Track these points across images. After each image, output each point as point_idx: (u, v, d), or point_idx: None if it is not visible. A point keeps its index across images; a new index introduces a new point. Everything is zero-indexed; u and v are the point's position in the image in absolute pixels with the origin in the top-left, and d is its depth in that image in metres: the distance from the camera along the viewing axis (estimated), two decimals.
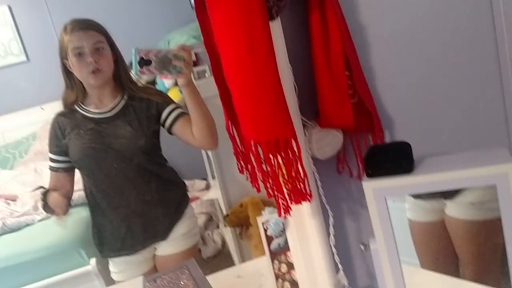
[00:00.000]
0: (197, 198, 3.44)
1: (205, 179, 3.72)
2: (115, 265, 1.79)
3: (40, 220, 2.39)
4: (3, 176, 2.98)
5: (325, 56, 0.92)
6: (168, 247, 1.74)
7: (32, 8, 3.44)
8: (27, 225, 2.37)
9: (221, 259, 3.00)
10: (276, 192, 0.85)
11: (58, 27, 3.44)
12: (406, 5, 1.00)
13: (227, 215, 2.33)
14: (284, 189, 0.85)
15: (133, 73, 1.35)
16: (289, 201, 0.85)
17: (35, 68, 3.52)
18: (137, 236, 1.69)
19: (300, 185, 0.85)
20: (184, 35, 3.34)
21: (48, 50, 3.46)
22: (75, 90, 1.65)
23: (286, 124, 0.80)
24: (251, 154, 0.87)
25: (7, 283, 2.13)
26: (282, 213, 0.86)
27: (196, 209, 3.21)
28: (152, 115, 1.64)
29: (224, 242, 3.13)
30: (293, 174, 0.84)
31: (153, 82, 3.43)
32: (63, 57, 1.60)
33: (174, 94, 2.84)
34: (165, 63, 1.33)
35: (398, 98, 1.04)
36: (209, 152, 2.50)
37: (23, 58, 3.48)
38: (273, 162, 0.84)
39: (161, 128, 1.69)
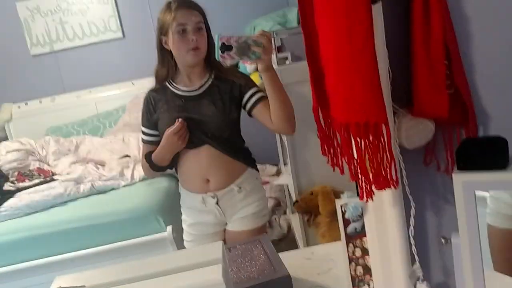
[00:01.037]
0: (267, 182, 3.50)
1: (277, 165, 3.77)
2: (188, 235, 1.89)
3: (124, 186, 2.57)
4: (94, 143, 3.22)
5: (425, 43, 0.90)
6: (238, 224, 1.81)
7: None
8: (113, 189, 2.56)
9: (285, 244, 3.04)
10: (360, 175, 0.86)
11: (153, 7, 3.65)
12: None
13: (297, 201, 2.35)
14: (369, 173, 0.85)
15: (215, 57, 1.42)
16: (372, 186, 0.85)
17: (130, 45, 3.76)
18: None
19: (385, 171, 0.85)
20: (269, 21, 3.38)
21: (142, 29, 3.69)
22: (166, 66, 1.74)
23: (378, 108, 0.80)
24: (338, 136, 0.88)
25: (90, 241, 2.31)
26: (365, 197, 0.86)
27: (266, 193, 3.27)
28: (235, 96, 1.70)
29: (289, 228, 3.16)
30: (379, 159, 0.84)
31: (236, 66, 3.52)
32: (162, 33, 1.68)
33: (255, 79, 2.90)
34: (245, 49, 1.37)
35: (496, 93, 0.99)
36: (284, 139, 2.53)
37: (120, 34, 3.72)
38: (360, 146, 0.84)
39: (242, 110, 1.75)
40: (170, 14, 1.64)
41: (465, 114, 0.97)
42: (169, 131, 1.65)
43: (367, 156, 0.84)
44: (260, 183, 1.92)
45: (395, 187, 0.86)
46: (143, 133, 1.82)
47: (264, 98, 1.67)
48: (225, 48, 1.35)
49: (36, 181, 2.70)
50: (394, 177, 0.84)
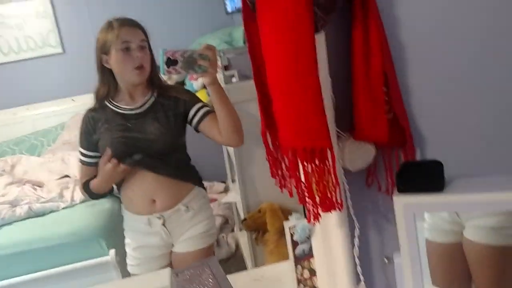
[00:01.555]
0: (215, 200, 3.48)
1: (224, 182, 3.76)
2: (132, 259, 1.84)
3: (64, 208, 2.45)
4: (31, 162, 3.06)
5: (365, 70, 0.95)
6: (185, 245, 1.78)
7: (72, 3, 3.55)
8: (52, 211, 2.43)
9: (233, 263, 3.03)
10: (307, 199, 0.88)
11: (95, 23, 3.54)
12: (447, 27, 1.02)
13: (245, 219, 2.36)
14: (316, 196, 0.88)
15: (160, 73, 1.42)
16: (319, 209, 0.87)
17: (70, 60, 3.63)
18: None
19: (331, 194, 0.87)
20: (215, 40, 3.40)
21: (83, 44, 3.57)
22: (107, 85, 1.71)
23: (323, 133, 0.83)
24: (286, 160, 0.90)
25: (28, 266, 2.17)
26: (312, 220, 0.89)
27: (213, 211, 3.24)
28: (180, 112, 1.69)
29: (237, 246, 3.15)
30: (325, 183, 0.87)
31: (182, 83, 3.50)
32: (103, 52, 1.65)
33: (202, 96, 2.90)
34: (191, 62, 1.38)
35: (431, 117, 1.06)
36: (232, 155, 2.53)
37: (59, 50, 3.59)
38: (307, 169, 0.86)
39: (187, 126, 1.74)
40: (113, 32, 1.62)
41: (403, 137, 1.02)
42: (106, 166, 1.64)
43: (313, 180, 0.86)
44: (208, 202, 1.90)
45: (340, 210, 0.89)
46: (82, 154, 1.75)
47: (210, 112, 1.67)
48: (171, 62, 1.35)
49: None
50: (339, 200, 0.87)
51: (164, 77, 3.47)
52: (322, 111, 0.83)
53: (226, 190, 3.74)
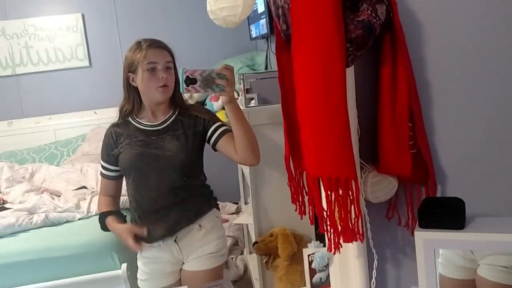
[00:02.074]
0: (226, 220, 3.48)
1: (237, 203, 3.77)
2: (142, 274, 1.85)
3: (80, 219, 2.49)
4: (50, 171, 3.12)
5: (391, 106, 0.97)
6: (195, 263, 1.78)
7: (103, 19, 3.68)
8: (67, 221, 2.47)
9: (241, 285, 3.01)
10: (329, 227, 0.90)
11: (123, 41, 3.67)
12: (473, 66, 1.05)
13: (256, 242, 2.35)
14: (338, 226, 0.89)
15: (180, 90, 1.46)
16: (340, 238, 0.88)
17: (95, 74, 3.73)
18: (158, 232, 1.77)
19: (352, 225, 0.89)
20: (238, 63, 3.48)
21: (109, 59, 3.69)
22: (132, 102, 1.76)
23: (349, 164, 0.85)
24: (308, 188, 0.92)
25: (40, 275, 2.20)
26: (332, 249, 0.90)
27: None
28: (199, 131, 1.73)
29: (246, 269, 3.13)
30: (347, 213, 0.88)
31: (203, 103, 3.57)
32: (130, 70, 1.71)
33: (221, 117, 2.94)
34: (209, 81, 1.42)
35: (454, 155, 1.08)
36: (247, 177, 2.55)
37: (86, 63, 3.70)
38: (330, 198, 0.88)
39: (206, 145, 1.78)
40: (141, 52, 1.67)
41: (425, 173, 1.04)
42: (128, 240, 1.70)
43: (336, 209, 0.88)
44: (221, 222, 1.91)
45: (361, 241, 0.90)
46: (103, 167, 1.81)
47: (228, 131, 1.71)
48: (190, 81, 1.39)
49: None
50: (361, 231, 0.88)
51: (186, 96, 3.54)
52: (349, 142, 0.85)
53: (238, 211, 3.75)
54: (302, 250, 2.24)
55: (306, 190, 1.05)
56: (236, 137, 1.63)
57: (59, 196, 2.76)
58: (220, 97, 1.53)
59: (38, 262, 2.20)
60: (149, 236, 1.76)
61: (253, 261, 2.82)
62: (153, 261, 1.81)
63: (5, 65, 3.63)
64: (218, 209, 1.90)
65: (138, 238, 1.73)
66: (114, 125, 1.78)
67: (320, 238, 2.36)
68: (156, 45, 1.70)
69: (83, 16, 3.64)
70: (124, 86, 1.75)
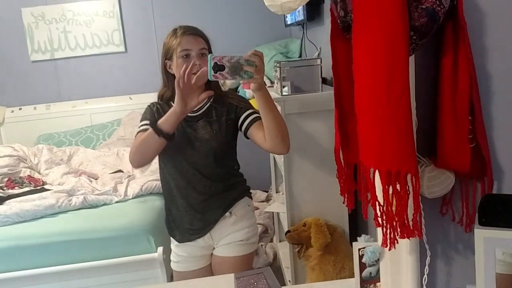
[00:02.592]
0: (256, 208, 3.49)
1: (267, 191, 3.77)
2: (175, 256, 1.88)
3: (117, 202, 2.54)
4: (87, 155, 3.18)
5: (451, 98, 0.94)
6: (225, 250, 1.80)
7: (139, 5, 3.69)
8: (105, 204, 2.52)
9: None
10: (385, 222, 0.87)
11: (158, 27, 3.69)
12: None
13: (289, 231, 2.35)
14: (394, 221, 0.87)
15: (208, 78, 1.44)
16: (398, 233, 0.86)
17: (131, 60, 3.76)
18: (196, 226, 1.78)
19: (410, 220, 0.86)
20: (272, 50, 3.44)
21: (145, 45, 3.71)
22: (170, 89, 1.76)
23: (410, 158, 0.82)
24: (365, 181, 0.90)
25: (79, 255, 2.26)
26: (388, 244, 0.88)
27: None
28: (231, 118, 1.72)
29: (275, 256, 3.15)
30: (405, 209, 0.86)
31: (236, 90, 3.57)
32: (167, 57, 1.71)
33: (255, 105, 2.93)
34: (237, 68, 1.39)
35: None
36: (280, 166, 2.54)
37: (122, 49, 3.73)
38: (388, 193, 0.86)
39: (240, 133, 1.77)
40: (176, 39, 1.67)
41: (483, 169, 1.00)
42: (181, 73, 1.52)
43: (394, 203, 0.85)
44: (252, 210, 1.91)
45: (420, 237, 0.88)
46: (142, 125, 1.73)
47: (259, 118, 1.69)
48: (218, 67, 1.37)
49: (26, 189, 2.65)
50: (419, 227, 0.86)
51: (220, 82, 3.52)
52: (411, 136, 0.82)
53: (268, 199, 3.75)
54: (335, 240, 2.26)
55: (356, 182, 1.03)
56: (265, 125, 1.61)
57: (97, 179, 2.82)
58: (250, 84, 1.51)
59: (77, 243, 2.26)
60: (186, 234, 1.79)
61: (283, 249, 2.83)
62: (185, 244, 1.83)
63: (44, 50, 3.70)
64: (251, 197, 1.91)
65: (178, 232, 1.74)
66: (156, 103, 1.79)
67: (352, 229, 2.36)
68: (190, 32, 1.70)
69: (119, 1, 3.67)
70: (162, 73, 1.76)
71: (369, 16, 0.84)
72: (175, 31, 1.71)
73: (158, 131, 1.59)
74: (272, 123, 1.59)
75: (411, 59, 0.91)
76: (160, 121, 1.60)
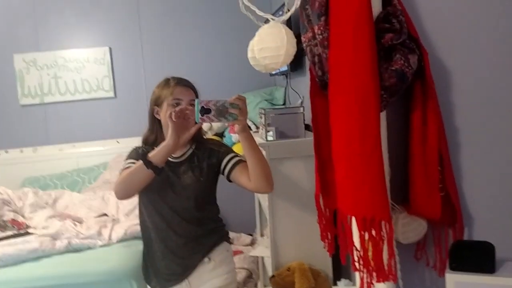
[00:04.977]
0: (240, 252, 3.48)
1: (251, 234, 3.77)
2: None
3: (101, 246, 2.51)
4: (73, 198, 3.17)
5: (422, 149, 1.02)
6: None
7: (129, 54, 3.82)
8: (89, 248, 2.49)
9: None
10: (362, 267, 0.92)
11: (148, 74, 3.81)
12: (502, 112, 1.09)
13: (273, 276, 2.36)
14: (370, 266, 0.92)
15: (195, 121, 1.52)
16: (374, 278, 0.91)
17: (119, 105, 3.84)
18: (173, 271, 1.78)
19: (385, 265, 0.92)
20: (257, 97, 3.57)
21: (133, 91, 3.81)
22: (155, 133, 1.82)
23: (384, 206, 0.89)
24: (343, 226, 0.96)
25: None
26: None
27: (238, 264, 3.22)
28: (213, 163, 1.78)
29: None
30: (380, 253, 0.91)
31: (222, 135, 3.65)
32: (156, 104, 1.79)
33: (239, 149, 3.00)
34: (223, 111, 1.48)
35: (481, 199, 1.11)
36: (265, 210, 2.57)
37: (111, 94, 3.81)
38: (364, 238, 0.91)
39: (220, 177, 1.81)
40: (168, 89, 1.76)
41: (453, 216, 1.07)
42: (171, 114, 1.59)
43: (370, 248, 0.91)
44: (231, 255, 1.92)
45: (394, 281, 0.93)
46: (128, 163, 1.75)
47: (241, 161, 1.75)
48: (205, 111, 1.46)
49: (9, 232, 2.60)
50: (393, 271, 0.91)
51: (206, 127, 3.58)
52: (384, 184, 0.89)
53: (252, 242, 3.74)
54: (319, 285, 2.27)
55: (336, 228, 1.08)
56: (249, 164, 1.67)
57: (81, 223, 2.80)
58: (235, 125, 1.58)
59: (60, 287, 2.22)
60: (163, 280, 1.80)
61: None
62: None
63: (34, 94, 3.76)
64: (230, 242, 1.93)
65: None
66: (141, 147, 1.84)
67: (336, 274, 2.38)
68: (182, 83, 1.79)
69: (110, 49, 3.79)
70: (149, 118, 1.82)
71: (343, 76, 0.93)
72: (167, 81, 1.80)
73: (147, 163, 1.64)
74: (257, 162, 1.66)
75: (383, 115, 1.00)
76: (151, 154, 1.65)
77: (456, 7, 1.09)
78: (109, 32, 3.80)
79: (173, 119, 1.60)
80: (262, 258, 2.98)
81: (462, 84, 1.09)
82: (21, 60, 3.73)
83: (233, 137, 3.47)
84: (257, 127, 3.05)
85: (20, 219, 2.86)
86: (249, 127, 1.61)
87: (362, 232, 0.90)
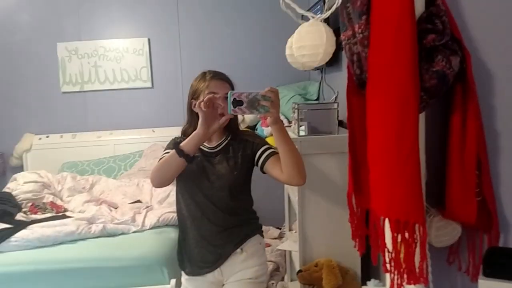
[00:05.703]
0: (269, 245, 3.50)
1: (280, 228, 3.79)
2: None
3: (134, 232, 2.60)
4: (109, 184, 3.27)
5: (460, 153, 1.00)
6: (234, 287, 1.82)
7: (167, 45, 3.89)
8: (123, 233, 2.58)
9: None
10: (393, 268, 0.92)
11: (184, 66, 3.87)
12: None
13: (301, 270, 2.37)
14: (402, 267, 0.92)
15: (227, 112, 1.54)
16: (405, 280, 0.91)
17: (156, 95, 3.92)
18: (206, 259, 1.81)
19: (417, 267, 0.91)
20: (291, 91, 3.56)
21: (170, 82, 3.88)
22: (193, 126, 1.86)
23: (418, 209, 0.88)
24: (375, 227, 0.96)
25: (93, 283, 2.31)
26: None
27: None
28: (247, 154, 1.81)
29: None
30: (412, 256, 0.91)
31: (254, 129, 3.67)
32: (193, 97, 1.82)
33: (271, 143, 3.01)
34: (254, 103, 1.49)
35: None
36: (294, 204, 2.58)
37: (149, 84, 3.90)
38: (396, 240, 0.91)
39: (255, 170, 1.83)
40: (205, 82, 1.79)
41: (489, 221, 1.05)
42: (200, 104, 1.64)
43: (402, 250, 0.91)
44: (263, 248, 1.95)
45: (425, 284, 0.92)
46: (166, 152, 1.82)
47: (275, 152, 1.77)
48: (237, 103, 1.48)
49: (48, 214, 2.73)
50: (425, 274, 0.91)
51: (239, 119, 3.62)
52: (419, 189, 0.89)
53: (280, 236, 3.76)
54: (346, 283, 2.27)
55: (367, 228, 1.08)
56: (282, 156, 1.69)
57: (116, 208, 2.90)
58: (267, 118, 1.60)
59: (93, 270, 2.30)
60: (196, 267, 1.83)
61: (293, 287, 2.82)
62: (195, 278, 1.87)
63: (74, 82, 3.89)
64: (263, 236, 1.95)
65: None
66: (180, 137, 1.88)
67: (365, 273, 2.36)
68: (218, 76, 1.82)
69: (149, 40, 3.87)
70: (188, 111, 1.87)
71: (383, 76, 0.92)
72: (204, 74, 1.83)
73: (179, 151, 1.69)
74: (289, 154, 1.67)
75: (422, 116, 0.99)
76: (182, 143, 1.71)
77: (501, 9, 1.06)
78: (148, 23, 3.88)
79: (203, 108, 1.64)
80: (290, 252, 2.99)
81: (504, 88, 1.07)
82: (64, 48, 3.86)
83: (265, 131, 3.48)
84: (290, 122, 3.05)
85: (58, 202, 2.99)
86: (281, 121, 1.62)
87: (395, 234, 0.90)
